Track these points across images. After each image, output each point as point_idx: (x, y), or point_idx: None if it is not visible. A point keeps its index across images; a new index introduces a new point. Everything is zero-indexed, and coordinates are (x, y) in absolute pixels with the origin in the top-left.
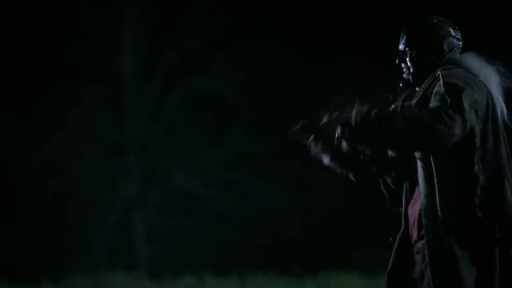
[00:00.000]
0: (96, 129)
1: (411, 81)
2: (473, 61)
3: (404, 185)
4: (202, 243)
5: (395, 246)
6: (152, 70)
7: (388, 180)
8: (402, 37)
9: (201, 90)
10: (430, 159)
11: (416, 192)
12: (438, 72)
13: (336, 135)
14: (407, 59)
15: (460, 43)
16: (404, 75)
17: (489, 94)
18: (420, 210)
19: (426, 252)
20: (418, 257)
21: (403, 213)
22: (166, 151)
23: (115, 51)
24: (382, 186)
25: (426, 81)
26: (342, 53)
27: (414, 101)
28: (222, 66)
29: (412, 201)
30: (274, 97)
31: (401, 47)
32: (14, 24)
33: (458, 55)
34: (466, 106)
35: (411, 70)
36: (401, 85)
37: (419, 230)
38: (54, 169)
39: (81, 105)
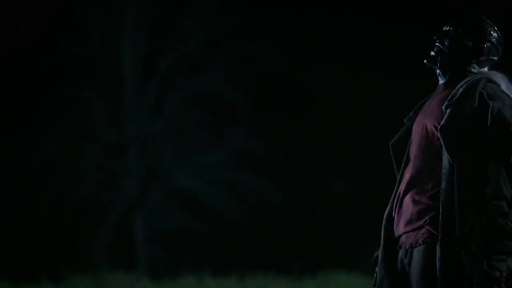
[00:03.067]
0: (96, 129)
1: (438, 59)
2: (501, 81)
3: (400, 173)
4: (202, 243)
5: (384, 236)
6: (152, 70)
7: None
8: (453, 20)
9: (201, 90)
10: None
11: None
12: (481, 89)
13: None
14: (447, 37)
15: (496, 59)
16: (432, 52)
17: None
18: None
19: (439, 254)
20: (401, 251)
21: (395, 202)
22: (166, 151)
23: (115, 51)
24: None
25: (465, 83)
26: (342, 53)
27: (452, 101)
28: (222, 66)
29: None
30: (274, 97)
31: (446, 27)
32: (15, 24)
33: (487, 69)
34: None
35: (444, 49)
36: (425, 61)
37: (407, 223)
38: (54, 169)
39: (81, 105)
